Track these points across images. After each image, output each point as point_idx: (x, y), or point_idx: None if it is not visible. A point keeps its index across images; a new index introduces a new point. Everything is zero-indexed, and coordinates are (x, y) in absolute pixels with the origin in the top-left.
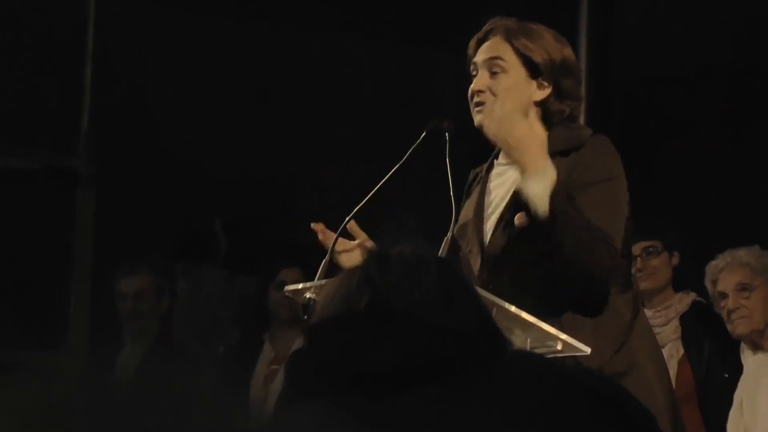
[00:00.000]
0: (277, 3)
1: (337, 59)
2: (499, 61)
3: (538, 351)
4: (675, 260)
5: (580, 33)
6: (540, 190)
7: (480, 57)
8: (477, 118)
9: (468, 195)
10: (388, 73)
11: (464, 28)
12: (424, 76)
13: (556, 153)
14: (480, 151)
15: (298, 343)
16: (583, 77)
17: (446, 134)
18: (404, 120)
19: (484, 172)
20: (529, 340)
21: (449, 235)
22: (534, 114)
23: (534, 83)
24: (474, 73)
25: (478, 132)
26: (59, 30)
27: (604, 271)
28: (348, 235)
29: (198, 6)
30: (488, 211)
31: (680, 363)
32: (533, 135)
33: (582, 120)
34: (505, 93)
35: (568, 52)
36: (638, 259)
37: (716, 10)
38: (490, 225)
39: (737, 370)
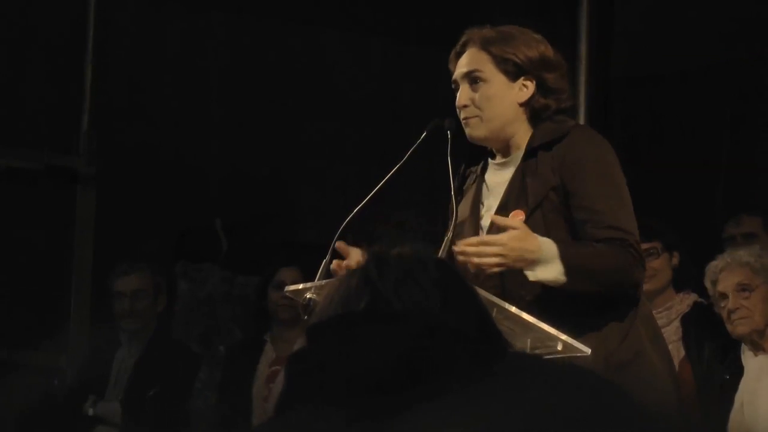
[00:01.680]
0: (279, 1)
1: (338, 59)
2: (476, 73)
3: (538, 351)
4: (675, 260)
5: (580, 33)
6: (551, 273)
7: (458, 72)
8: (467, 132)
9: (462, 194)
10: (390, 72)
11: (466, 27)
12: (426, 76)
13: (539, 147)
14: (481, 151)
15: (299, 343)
16: (583, 76)
17: (447, 133)
18: (406, 119)
19: (479, 171)
20: (529, 340)
21: (449, 234)
22: (522, 117)
23: (515, 86)
24: (456, 88)
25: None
26: (59, 30)
27: (633, 271)
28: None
29: (198, 6)
30: (482, 211)
31: (681, 364)
32: (522, 231)
33: (582, 119)
34: (488, 102)
35: (545, 48)
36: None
37: (715, 9)
38: (486, 224)
39: (738, 371)
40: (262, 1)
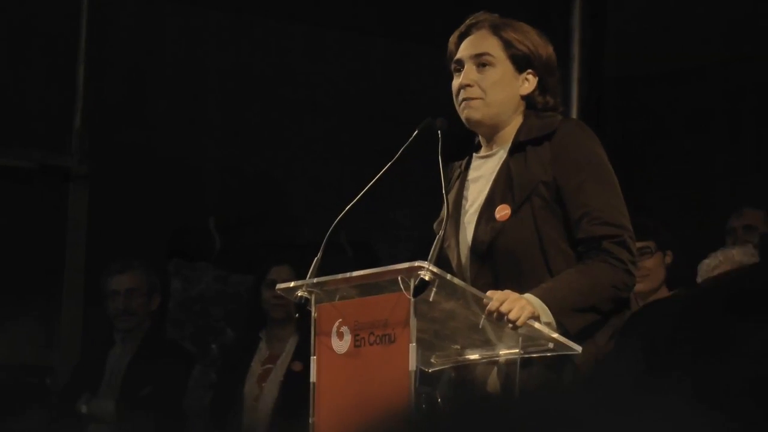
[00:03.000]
0: (276, 0)
1: (335, 59)
2: (487, 56)
3: (529, 350)
4: (669, 259)
5: (574, 32)
6: (548, 317)
7: (465, 52)
8: (465, 113)
9: (449, 190)
10: (383, 71)
11: (461, 25)
12: (419, 74)
13: (527, 142)
14: (466, 146)
15: (292, 341)
16: (577, 75)
17: (439, 132)
18: (401, 118)
19: (463, 166)
20: (520, 339)
21: (441, 233)
22: (519, 109)
23: (520, 77)
24: (458, 68)
25: (472, 130)
26: (53, 30)
27: (627, 282)
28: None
29: (193, 4)
30: (466, 206)
31: None
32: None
33: (575, 118)
34: (494, 87)
35: (551, 50)
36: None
37: (709, 9)
38: (468, 219)
39: None
40: (259, 0)
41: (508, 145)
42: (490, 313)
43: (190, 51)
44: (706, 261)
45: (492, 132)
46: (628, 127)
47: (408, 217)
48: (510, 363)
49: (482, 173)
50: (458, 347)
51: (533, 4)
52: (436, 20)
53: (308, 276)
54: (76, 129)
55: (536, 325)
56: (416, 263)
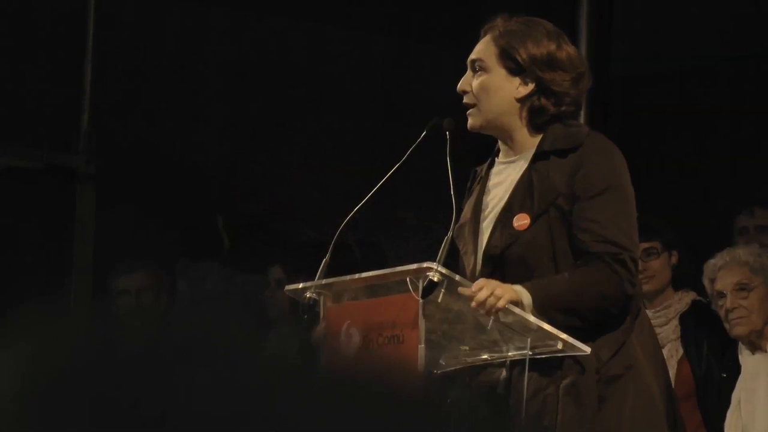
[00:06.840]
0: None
1: (338, 57)
2: (479, 62)
3: (538, 350)
4: (674, 259)
5: (580, 31)
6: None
7: (470, 57)
8: (468, 122)
9: (469, 194)
10: (390, 71)
11: (465, 25)
12: (426, 74)
13: (552, 152)
14: (481, 150)
15: (296, 342)
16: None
17: (447, 133)
18: (408, 117)
19: (484, 171)
20: (529, 339)
21: (450, 234)
22: (518, 112)
23: (516, 80)
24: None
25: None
26: (59, 28)
27: (617, 297)
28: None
29: (198, 3)
30: (485, 211)
31: (680, 363)
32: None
33: (582, 117)
34: (484, 92)
35: (555, 47)
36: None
37: (715, 6)
38: (486, 225)
39: (736, 369)
40: None
41: (529, 152)
42: (471, 299)
43: (197, 51)
44: (712, 261)
45: (504, 136)
46: (635, 126)
47: (416, 218)
48: (518, 364)
49: (503, 179)
50: (467, 348)
51: (539, 3)
52: (440, 19)
53: (317, 277)
54: (83, 129)
55: (544, 325)
56: (425, 264)
